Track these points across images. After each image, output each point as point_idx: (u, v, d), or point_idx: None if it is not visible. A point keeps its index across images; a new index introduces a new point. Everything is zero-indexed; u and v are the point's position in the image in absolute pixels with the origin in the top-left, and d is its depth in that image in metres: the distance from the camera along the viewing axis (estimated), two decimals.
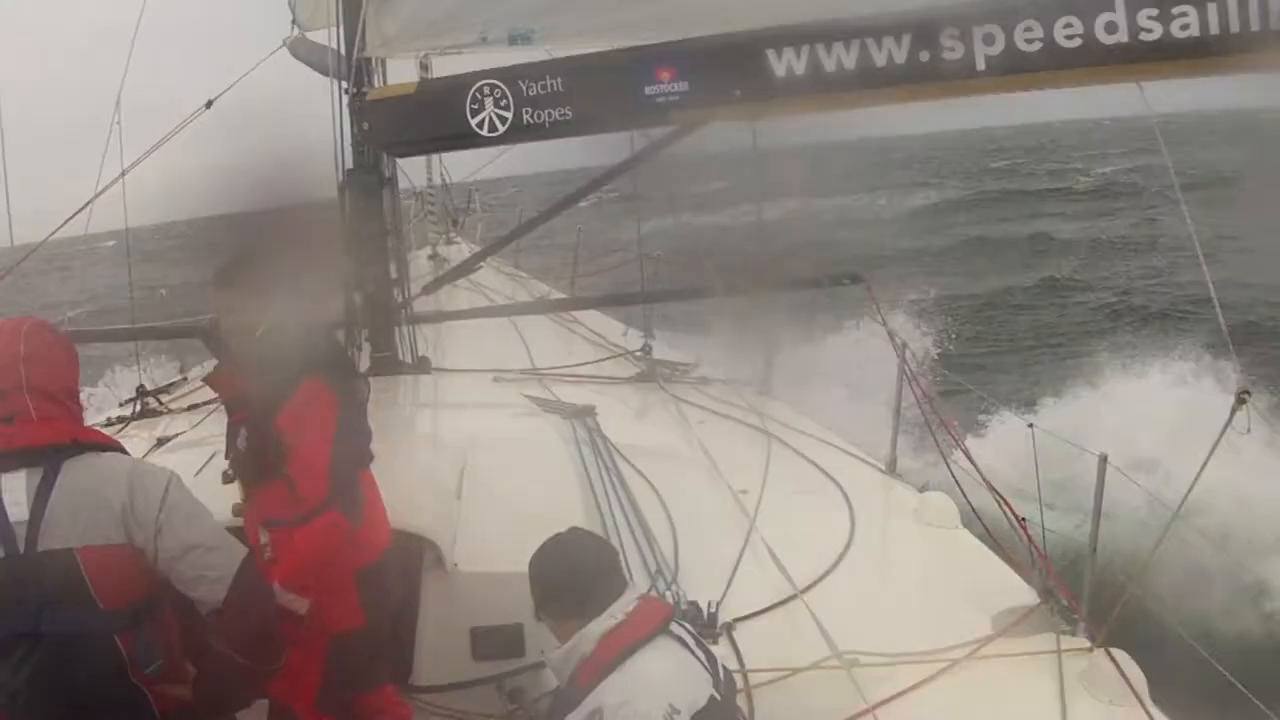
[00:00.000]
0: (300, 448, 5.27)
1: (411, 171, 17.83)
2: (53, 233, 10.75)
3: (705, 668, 4.35)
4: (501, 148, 9.92)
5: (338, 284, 8.39)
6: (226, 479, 5.75)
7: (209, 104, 11.08)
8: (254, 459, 5.44)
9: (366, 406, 5.86)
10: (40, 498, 3.99)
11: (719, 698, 4.29)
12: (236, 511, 5.98)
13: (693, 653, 4.37)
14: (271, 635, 4.46)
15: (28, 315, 4.50)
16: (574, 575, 4.51)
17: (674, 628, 4.42)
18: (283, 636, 4.55)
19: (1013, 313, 29.08)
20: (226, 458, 5.74)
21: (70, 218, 10.74)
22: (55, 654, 3.98)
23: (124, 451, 4.39)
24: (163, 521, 4.12)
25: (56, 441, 4.11)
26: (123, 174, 10.54)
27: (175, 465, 7.37)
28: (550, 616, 4.52)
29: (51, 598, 3.97)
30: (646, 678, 4.17)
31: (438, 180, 20.77)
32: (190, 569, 4.16)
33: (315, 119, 10.11)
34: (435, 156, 19.14)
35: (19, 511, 3.97)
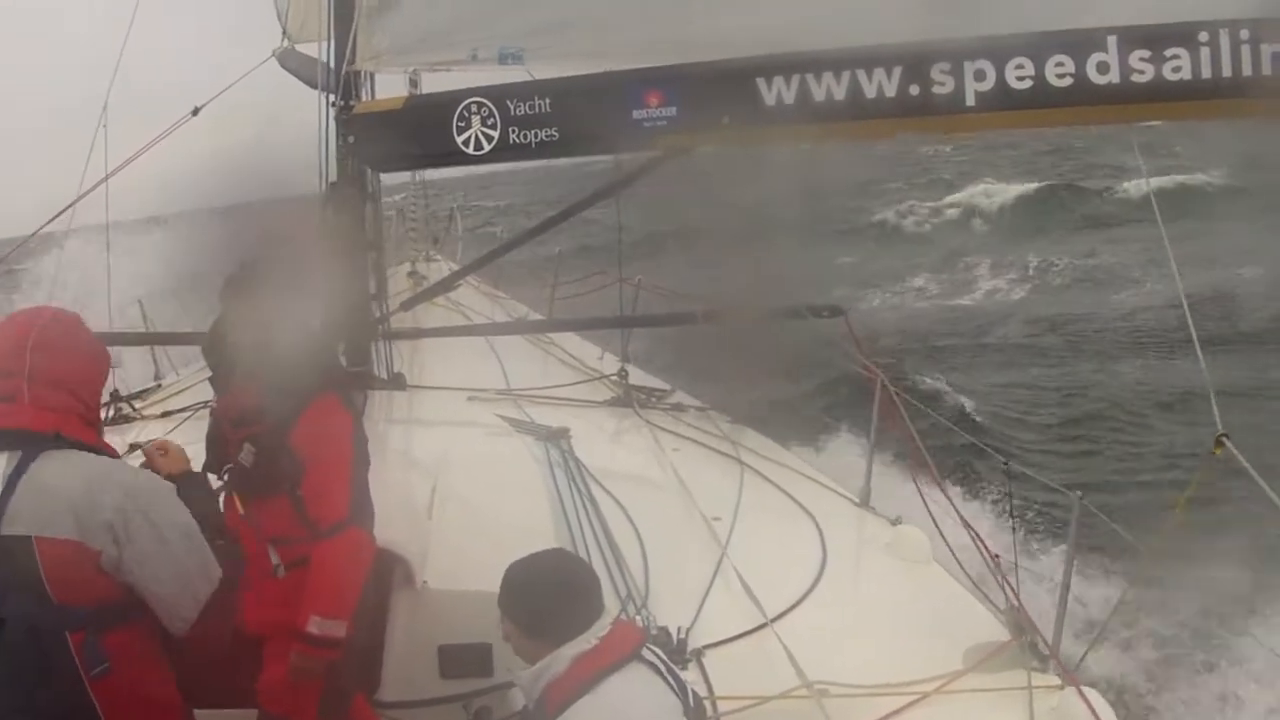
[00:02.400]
0: (320, 466, 5.28)
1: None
2: (37, 230, 10.71)
3: (676, 694, 4.31)
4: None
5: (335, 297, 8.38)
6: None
7: (196, 111, 11.06)
8: (260, 475, 5.41)
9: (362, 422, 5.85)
10: (10, 482, 4.06)
11: None
12: None
13: (665, 679, 4.33)
14: (220, 649, 4.50)
15: (57, 308, 4.62)
16: (558, 594, 4.44)
17: (645, 653, 4.38)
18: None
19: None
20: (211, 472, 5.71)
21: (51, 220, 10.71)
22: (9, 639, 3.99)
23: (110, 454, 4.47)
24: (128, 530, 4.17)
25: (40, 430, 4.16)
26: (107, 178, 10.52)
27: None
28: (524, 634, 4.40)
29: (8, 581, 4.04)
30: (617, 703, 4.13)
31: (420, 198, 20.81)
32: (154, 599, 4.28)
33: (301, 129, 10.15)
34: (419, 173, 19.18)
35: None
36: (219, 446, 5.68)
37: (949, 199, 51.83)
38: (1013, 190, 51.12)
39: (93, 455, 4.32)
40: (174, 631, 4.30)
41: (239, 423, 5.55)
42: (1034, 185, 51.57)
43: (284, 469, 5.29)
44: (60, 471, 4.13)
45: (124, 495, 4.24)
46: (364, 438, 5.60)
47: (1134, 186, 43.91)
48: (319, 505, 5.25)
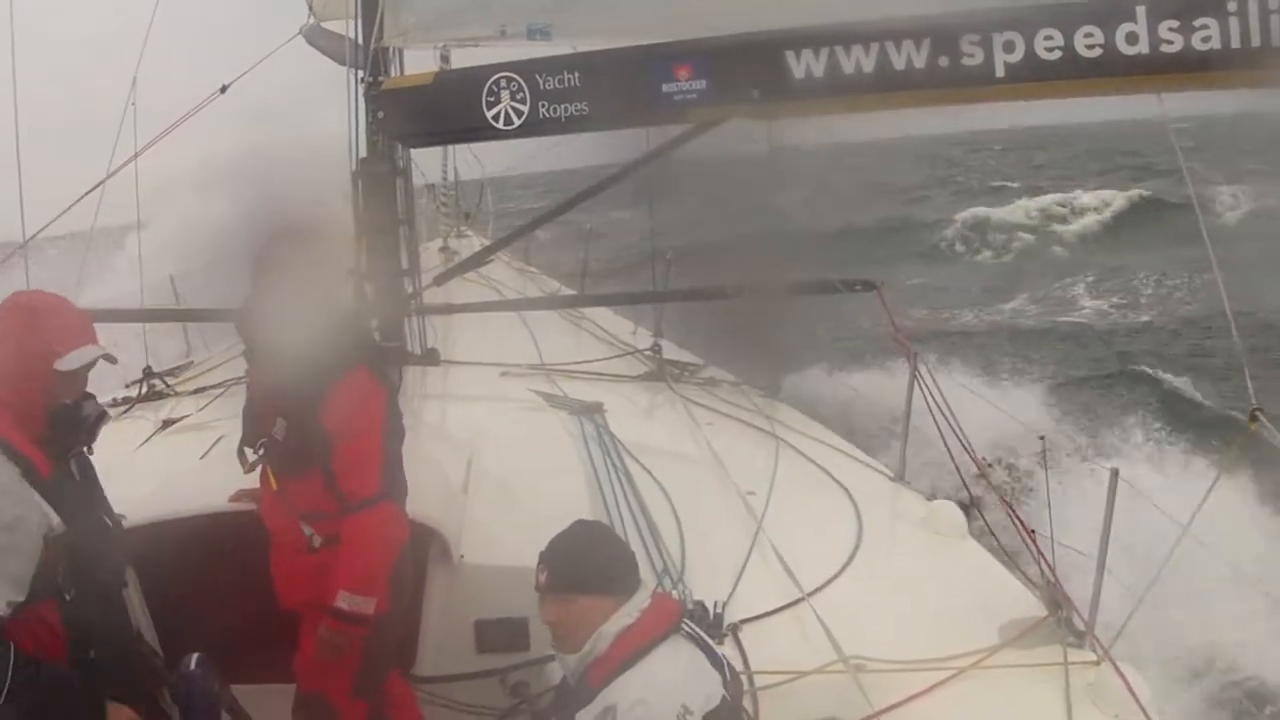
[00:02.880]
0: (351, 440, 5.27)
1: (425, 165, 17.92)
2: (59, 215, 10.68)
3: (715, 667, 4.32)
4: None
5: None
6: (250, 468, 5.72)
7: (224, 89, 11.06)
8: (293, 451, 5.41)
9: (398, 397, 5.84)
10: None
11: (729, 698, 4.26)
12: (244, 498, 5.96)
13: (703, 652, 4.35)
14: None
15: (29, 293, 4.69)
16: (609, 551, 4.56)
17: (684, 626, 4.39)
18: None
19: None
20: (248, 446, 5.71)
21: (82, 196, 10.70)
22: None
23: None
24: None
25: None
26: (135, 156, 10.51)
27: (181, 448, 7.42)
28: (582, 594, 4.39)
29: None
30: (661, 677, 4.15)
31: (451, 173, 20.80)
32: None
33: (330, 107, 10.14)
34: (450, 149, 19.16)
35: None
36: (255, 421, 5.68)
37: (1017, 209, 49.55)
38: (1085, 200, 49.46)
39: None
40: None
41: (272, 397, 5.56)
42: (1112, 194, 49.65)
43: (315, 443, 5.29)
44: None
45: None
46: (397, 412, 5.61)
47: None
48: (350, 479, 5.26)
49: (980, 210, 48.80)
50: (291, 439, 5.40)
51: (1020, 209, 49.51)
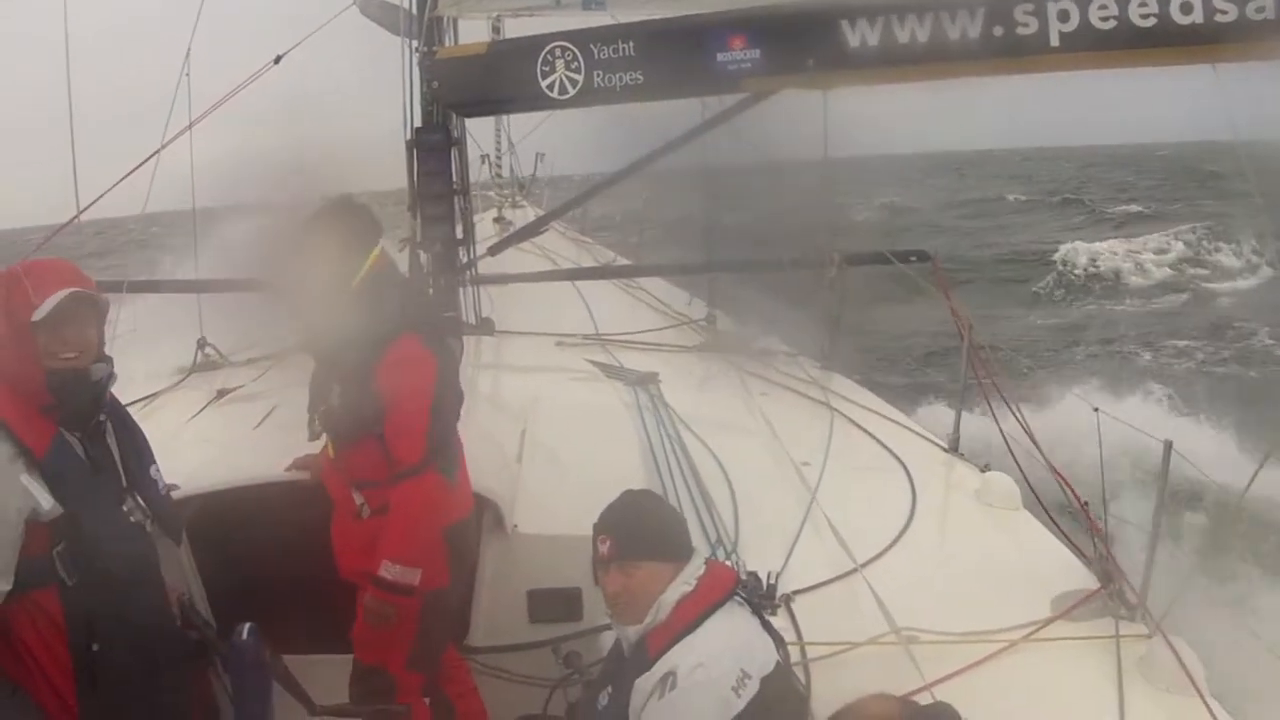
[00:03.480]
0: (399, 407, 5.28)
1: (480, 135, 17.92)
2: (110, 189, 10.72)
3: (769, 634, 4.35)
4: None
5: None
6: (314, 434, 5.75)
7: (278, 59, 11.08)
8: (348, 416, 5.44)
9: (458, 367, 5.86)
10: None
11: (782, 663, 4.29)
12: (301, 465, 6.01)
13: (756, 618, 4.38)
14: None
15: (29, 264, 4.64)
16: (667, 515, 4.66)
17: (737, 595, 4.42)
18: None
19: None
20: (312, 413, 5.73)
21: (136, 168, 10.75)
22: None
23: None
24: None
25: None
26: (190, 126, 10.54)
27: (235, 419, 7.48)
28: (648, 560, 4.42)
29: None
30: (719, 642, 4.19)
31: (505, 143, 20.82)
32: None
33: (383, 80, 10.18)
34: (504, 120, 19.18)
35: None
36: (317, 389, 5.70)
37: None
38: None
39: None
40: None
41: (327, 364, 5.60)
42: None
43: (368, 410, 5.31)
44: None
45: None
46: (450, 380, 5.60)
47: None
48: (397, 447, 5.28)
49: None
50: (345, 406, 5.43)
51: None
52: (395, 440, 5.28)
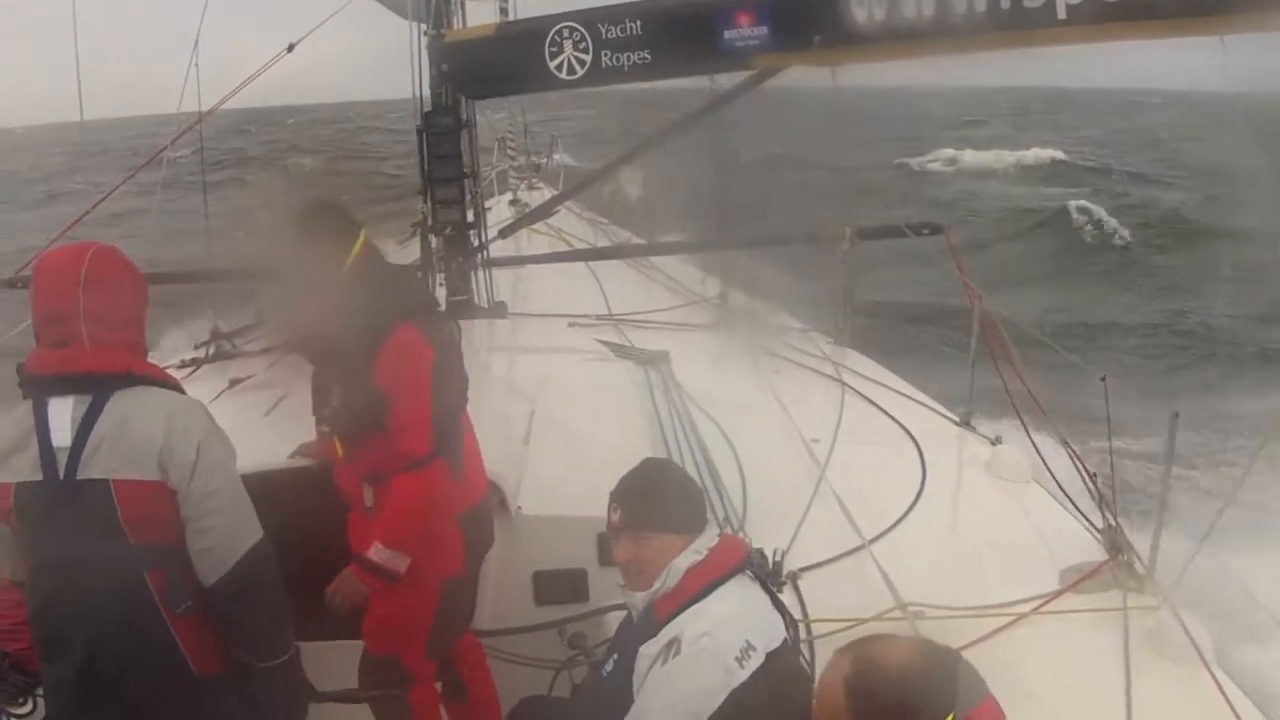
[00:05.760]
0: (400, 400, 5.22)
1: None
2: (118, 186, 10.75)
3: (778, 611, 4.36)
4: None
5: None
6: (322, 438, 5.76)
7: (290, 48, 11.08)
8: (352, 416, 5.38)
9: (460, 349, 5.80)
10: (85, 426, 4.04)
11: (790, 641, 4.31)
12: (304, 452, 6.02)
13: (767, 595, 4.40)
14: (271, 631, 4.48)
15: (95, 241, 4.47)
16: (682, 488, 4.61)
17: (748, 570, 4.44)
18: (286, 634, 4.55)
19: None
20: (315, 414, 5.73)
21: (143, 165, 10.79)
22: (88, 583, 4.01)
23: (179, 389, 4.41)
24: (199, 465, 4.15)
25: (109, 370, 4.14)
26: (201, 119, 10.58)
27: (246, 407, 7.50)
28: (659, 532, 4.44)
29: (83, 527, 4.04)
30: (726, 612, 4.21)
31: (519, 126, 20.81)
32: (196, 535, 4.21)
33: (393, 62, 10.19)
34: (516, 102, 19.18)
35: (62, 437, 4.04)
36: (317, 392, 5.66)
37: None
38: None
39: (168, 391, 4.32)
40: (206, 581, 4.23)
41: (325, 364, 5.56)
42: None
43: (370, 406, 5.25)
44: (140, 411, 4.13)
45: (204, 432, 4.25)
46: (450, 367, 5.55)
47: None
48: (403, 440, 5.22)
49: None
50: (348, 405, 5.39)
51: None
52: (400, 434, 5.22)
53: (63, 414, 4.06)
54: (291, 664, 4.59)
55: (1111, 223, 36.41)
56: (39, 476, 4.07)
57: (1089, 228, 36.45)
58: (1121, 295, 27.54)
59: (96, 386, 4.11)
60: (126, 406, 4.11)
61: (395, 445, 5.22)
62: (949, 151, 57.65)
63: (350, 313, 5.17)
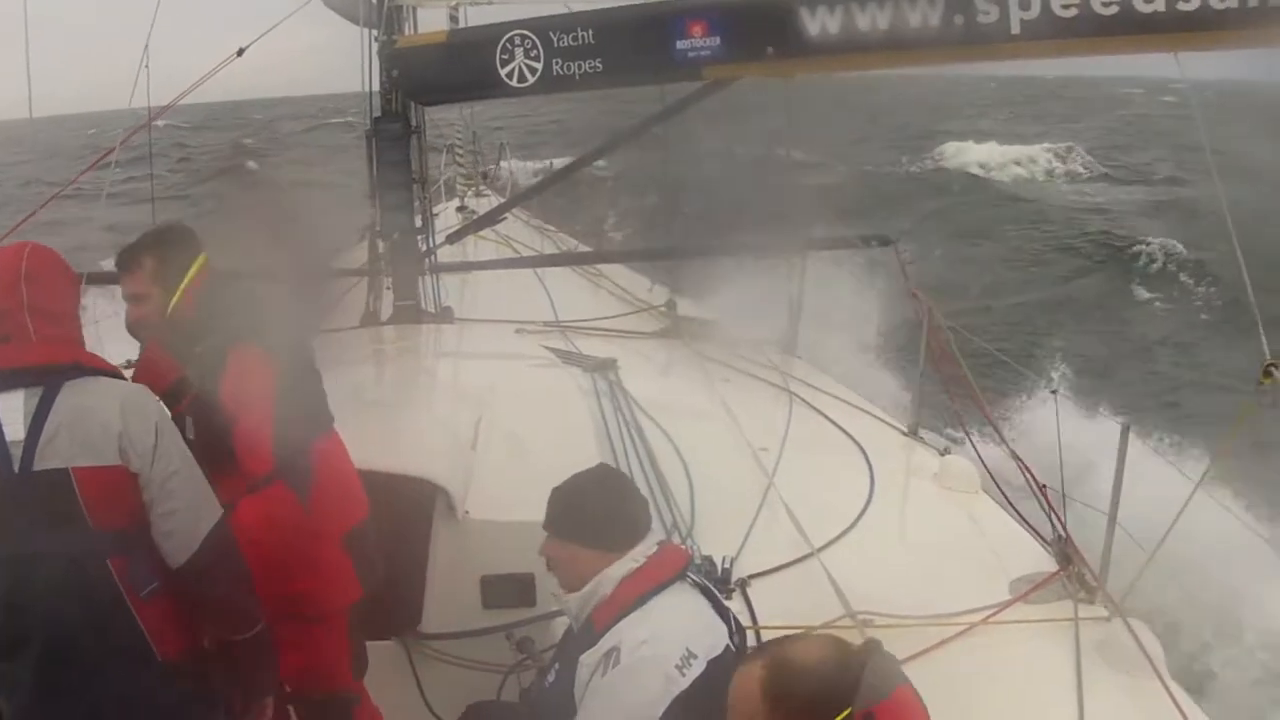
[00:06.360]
0: (240, 420, 4.96)
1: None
2: (76, 179, 10.66)
3: (721, 619, 4.34)
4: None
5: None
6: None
7: (240, 52, 11.02)
8: (205, 448, 4.84)
9: (315, 367, 5.55)
10: (38, 418, 3.98)
11: (734, 649, 4.27)
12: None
13: (710, 602, 4.37)
14: (242, 605, 4.42)
15: (29, 241, 4.41)
16: (609, 506, 4.49)
17: (692, 576, 4.41)
18: (255, 606, 4.46)
19: None
20: None
21: (91, 165, 10.69)
22: (46, 576, 3.96)
23: (122, 378, 4.35)
24: (158, 449, 4.10)
25: (57, 362, 4.10)
26: (149, 121, 10.48)
27: None
28: (574, 542, 4.42)
29: (42, 519, 3.97)
30: (665, 620, 4.16)
31: (468, 132, 20.78)
32: (161, 519, 4.14)
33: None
34: (467, 109, 19.17)
35: (14, 431, 3.97)
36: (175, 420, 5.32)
37: None
38: None
39: (117, 380, 4.26)
40: (172, 563, 4.15)
41: (173, 397, 5.19)
42: None
43: (220, 434, 4.98)
44: (95, 400, 4.08)
45: (159, 416, 4.22)
46: (298, 386, 5.29)
47: None
48: (244, 462, 4.94)
49: None
50: (200, 437, 4.99)
51: None
52: (243, 457, 4.96)
53: (12, 408, 3.99)
54: (264, 635, 4.54)
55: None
56: None
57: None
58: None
59: (46, 378, 4.05)
60: (79, 396, 4.06)
61: (241, 469, 4.97)
62: (952, 145, 51.59)
63: (186, 338, 5.07)
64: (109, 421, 4.04)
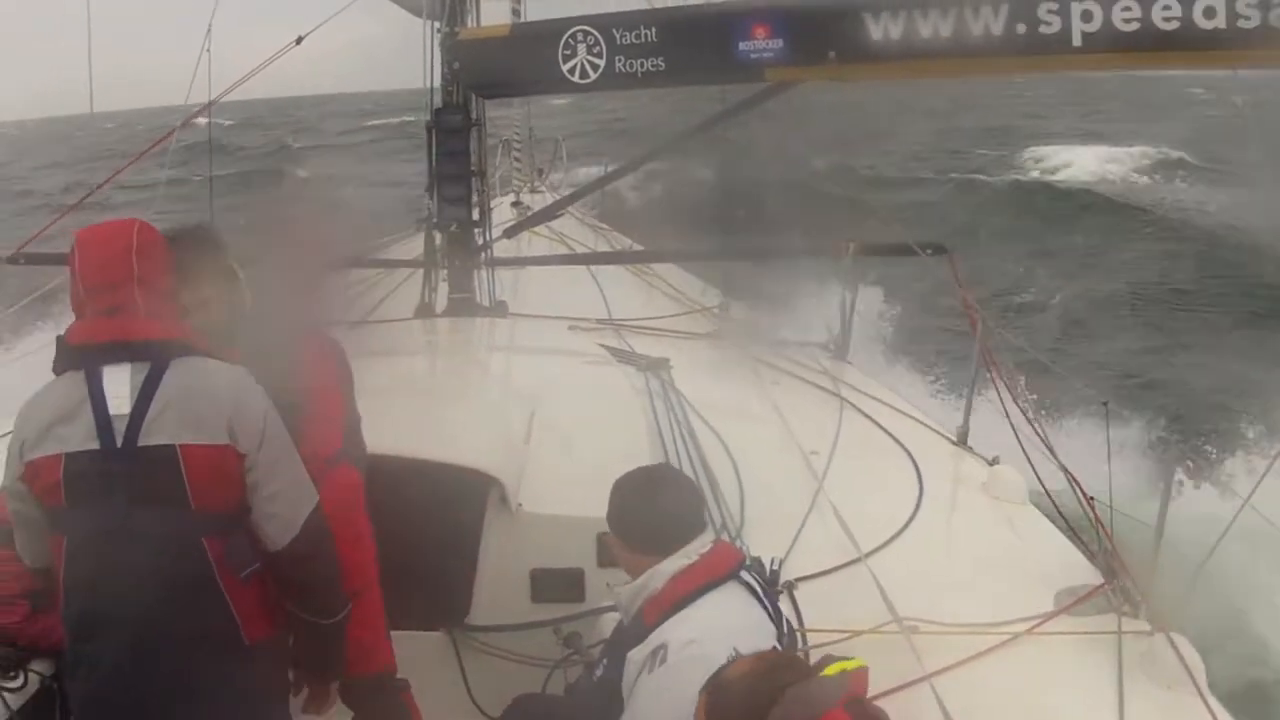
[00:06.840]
0: (310, 397, 4.96)
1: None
2: (120, 170, 10.72)
3: (771, 619, 4.36)
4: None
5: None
6: None
7: (299, 40, 11.09)
8: None
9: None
10: (145, 393, 3.99)
11: (782, 650, 4.30)
12: None
13: (760, 603, 4.39)
14: (335, 589, 4.48)
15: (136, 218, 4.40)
16: (663, 509, 4.54)
17: (744, 576, 4.44)
18: (342, 591, 4.53)
19: None
20: None
21: (144, 152, 10.76)
22: (140, 556, 3.98)
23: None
24: (266, 432, 4.15)
25: (167, 337, 4.12)
26: (208, 104, 10.57)
27: None
28: (630, 549, 4.51)
29: (143, 494, 3.98)
30: (714, 619, 4.19)
31: (525, 128, 20.80)
32: (266, 501, 4.17)
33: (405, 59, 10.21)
34: (523, 104, 19.22)
35: (120, 405, 3.98)
36: None
37: None
38: None
39: (224, 363, 4.27)
40: (273, 546, 4.20)
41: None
42: None
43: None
44: (204, 380, 4.12)
45: (266, 401, 4.25)
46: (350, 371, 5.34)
47: None
48: (312, 437, 4.83)
49: None
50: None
51: None
52: (308, 430, 4.77)
53: (119, 382, 4.01)
54: (345, 620, 4.59)
55: None
56: (95, 445, 3.99)
57: None
58: None
59: (154, 353, 4.07)
60: (187, 375, 4.08)
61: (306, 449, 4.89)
62: (1045, 150, 46.68)
63: (244, 333, 5.03)
64: (220, 402, 4.08)
